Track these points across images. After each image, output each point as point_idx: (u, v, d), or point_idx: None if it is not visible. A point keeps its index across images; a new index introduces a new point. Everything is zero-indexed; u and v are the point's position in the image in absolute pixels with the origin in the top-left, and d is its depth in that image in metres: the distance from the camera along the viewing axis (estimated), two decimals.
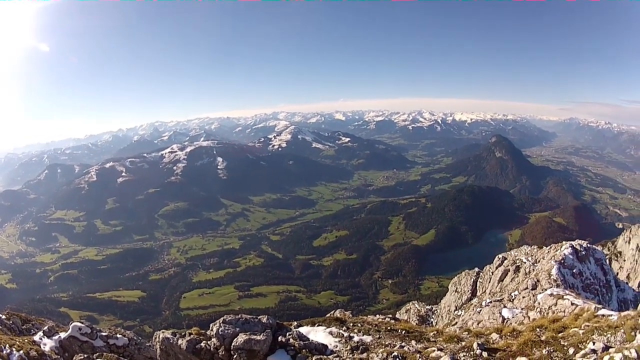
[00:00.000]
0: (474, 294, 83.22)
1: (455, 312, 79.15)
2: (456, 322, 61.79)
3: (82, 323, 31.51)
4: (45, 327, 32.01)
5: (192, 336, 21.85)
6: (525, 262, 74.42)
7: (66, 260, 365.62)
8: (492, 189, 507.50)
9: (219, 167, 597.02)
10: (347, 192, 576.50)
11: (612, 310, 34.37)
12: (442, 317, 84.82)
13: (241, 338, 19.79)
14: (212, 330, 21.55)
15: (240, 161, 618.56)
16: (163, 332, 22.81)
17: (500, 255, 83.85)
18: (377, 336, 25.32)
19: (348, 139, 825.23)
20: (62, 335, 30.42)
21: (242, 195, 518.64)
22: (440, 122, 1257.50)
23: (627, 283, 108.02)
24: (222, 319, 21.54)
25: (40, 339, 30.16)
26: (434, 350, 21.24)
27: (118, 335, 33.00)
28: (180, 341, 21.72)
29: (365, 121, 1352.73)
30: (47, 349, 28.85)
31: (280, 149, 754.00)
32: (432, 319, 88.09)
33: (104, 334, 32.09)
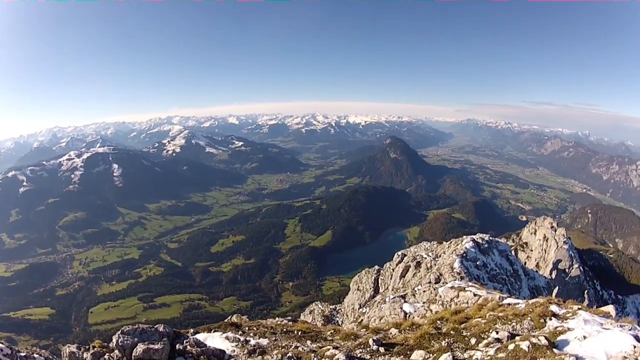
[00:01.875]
0: (376, 291, 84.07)
1: (360, 310, 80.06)
2: (362, 320, 62.01)
3: (3, 344, 28.96)
4: None
5: (95, 349, 21.56)
6: (426, 258, 75.87)
7: None
8: (387, 189, 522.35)
9: (114, 174, 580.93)
10: (241, 197, 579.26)
11: (518, 298, 35.18)
12: (347, 315, 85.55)
13: (140, 348, 19.52)
14: (113, 342, 20.97)
15: (136, 168, 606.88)
16: (69, 347, 22.13)
17: (399, 252, 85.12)
18: (274, 338, 25.61)
19: (241, 143, 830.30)
20: None
21: (138, 203, 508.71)
22: (334, 124, 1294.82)
23: (536, 271, 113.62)
24: (120, 330, 21.09)
25: None
26: (329, 349, 21.43)
27: (35, 355, 30.82)
28: (85, 354, 21.37)
29: (258, 125, 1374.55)
30: None
31: (174, 154, 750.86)
32: (337, 319, 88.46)
33: (22, 354, 29.93)
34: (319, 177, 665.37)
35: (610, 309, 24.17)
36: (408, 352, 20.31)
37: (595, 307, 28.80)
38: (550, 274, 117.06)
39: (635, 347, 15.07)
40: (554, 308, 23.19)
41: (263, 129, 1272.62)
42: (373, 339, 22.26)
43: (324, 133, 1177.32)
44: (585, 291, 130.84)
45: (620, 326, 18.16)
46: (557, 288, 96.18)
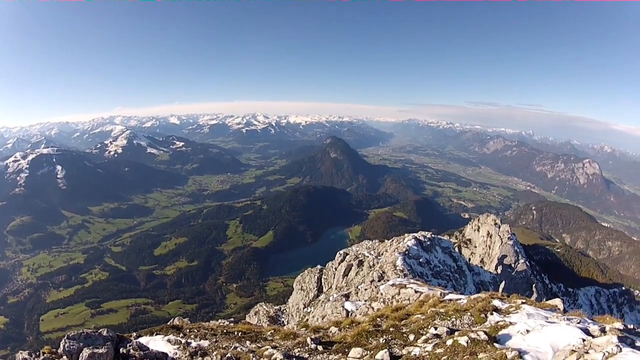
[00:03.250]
0: (320, 290, 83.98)
1: (305, 309, 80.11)
2: (307, 319, 61.91)
3: None
4: None
5: (45, 355, 21.42)
6: (368, 256, 76.00)
7: None
8: (328, 189, 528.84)
9: (58, 176, 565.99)
10: (182, 198, 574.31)
11: (462, 294, 35.28)
12: (292, 315, 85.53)
13: (85, 353, 19.59)
14: (61, 347, 20.77)
15: (79, 169, 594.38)
16: (21, 353, 22.21)
17: (341, 251, 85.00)
18: (214, 340, 25.76)
19: (182, 144, 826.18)
20: None
21: (82, 206, 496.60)
22: (274, 125, 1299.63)
23: (481, 267, 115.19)
24: (66, 335, 20.94)
25: None
26: (267, 349, 21.77)
27: None
28: None
29: (199, 125, 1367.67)
30: None
31: (116, 155, 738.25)
32: (283, 319, 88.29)
33: None
34: (260, 178, 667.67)
35: (557, 302, 24.24)
36: (346, 350, 20.48)
37: (544, 300, 28.90)
38: (496, 269, 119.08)
39: (584, 340, 14.81)
40: (496, 303, 23.39)
41: (204, 129, 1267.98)
42: (311, 338, 22.61)
43: (264, 133, 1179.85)
44: (534, 285, 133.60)
45: (568, 319, 18.15)
46: (503, 283, 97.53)
